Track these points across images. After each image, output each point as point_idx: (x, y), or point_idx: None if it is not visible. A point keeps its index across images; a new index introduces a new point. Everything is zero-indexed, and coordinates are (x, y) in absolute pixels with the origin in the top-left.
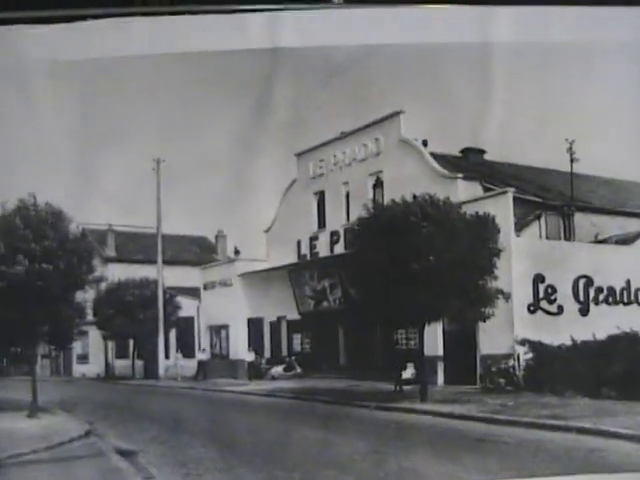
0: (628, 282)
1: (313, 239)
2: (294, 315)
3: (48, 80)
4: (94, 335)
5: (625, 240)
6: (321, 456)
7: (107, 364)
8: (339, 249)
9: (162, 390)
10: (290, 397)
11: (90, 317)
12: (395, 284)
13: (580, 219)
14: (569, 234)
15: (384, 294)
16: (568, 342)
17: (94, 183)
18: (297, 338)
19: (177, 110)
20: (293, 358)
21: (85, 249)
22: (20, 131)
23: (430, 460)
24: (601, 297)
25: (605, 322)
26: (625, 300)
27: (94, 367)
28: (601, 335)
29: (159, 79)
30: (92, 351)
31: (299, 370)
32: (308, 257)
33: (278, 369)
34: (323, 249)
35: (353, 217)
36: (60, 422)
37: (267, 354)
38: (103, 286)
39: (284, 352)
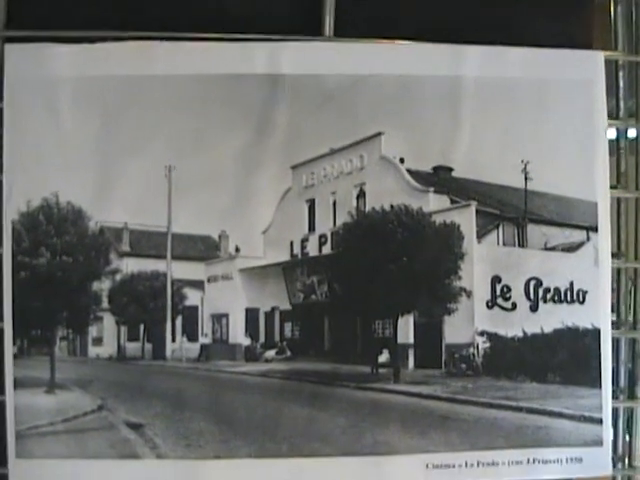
0: (572, 284)
1: (304, 240)
2: (286, 306)
3: (72, 93)
4: (108, 320)
5: (570, 248)
6: (307, 430)
7: (119, 346)
8: (326, 250)
9: (168, 370)
10: (281, 377)
11: (105, 304)
12: (374, 281)
13: (532, 229)
14: (522, 242)
15: (364, 290)
16: (520, 334)
17: (112, 186)
18: (288, 326)
19: (188, 125)
20: (284, 343)
21: (102, 244)
22: (45, 139)
23: (401, 434)
24: (548, 296)
25: (551, 318)
26: (569, 299)
27: (108, 349)
28: (548, 329)
29: (173, 97)
30: (106, 334)
31: (289, 354)
32: (299, 256)
33: (271, 352)
34: (312, 249)
35: (339, 222)
36: (75, 398)
37: (262, 339)
38: (118, 277)
39: (277, 338)
